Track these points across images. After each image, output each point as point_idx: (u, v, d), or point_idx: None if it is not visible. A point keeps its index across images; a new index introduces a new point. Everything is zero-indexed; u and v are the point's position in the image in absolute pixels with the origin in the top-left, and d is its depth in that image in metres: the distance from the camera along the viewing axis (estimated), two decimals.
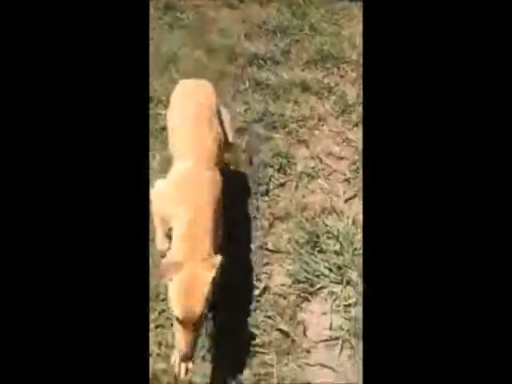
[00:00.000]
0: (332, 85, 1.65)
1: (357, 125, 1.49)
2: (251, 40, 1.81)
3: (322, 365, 0.92)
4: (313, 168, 1.38)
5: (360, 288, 1.03)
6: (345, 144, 1.45)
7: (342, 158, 1.42)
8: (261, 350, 0.93)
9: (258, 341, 0.94)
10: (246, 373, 0.89)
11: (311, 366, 0.92)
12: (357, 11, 2.05)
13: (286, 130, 1.47)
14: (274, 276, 1.10)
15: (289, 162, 1.38)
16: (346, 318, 1.00)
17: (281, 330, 0.97)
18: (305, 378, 0.90)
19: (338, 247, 1.13)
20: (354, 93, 1.59)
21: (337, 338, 0.96)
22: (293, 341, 0.95)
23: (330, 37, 1.93)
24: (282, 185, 1.33)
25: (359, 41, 1.81)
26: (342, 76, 1.74)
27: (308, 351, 0.94)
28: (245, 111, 1.48)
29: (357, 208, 1.25)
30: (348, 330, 0.97)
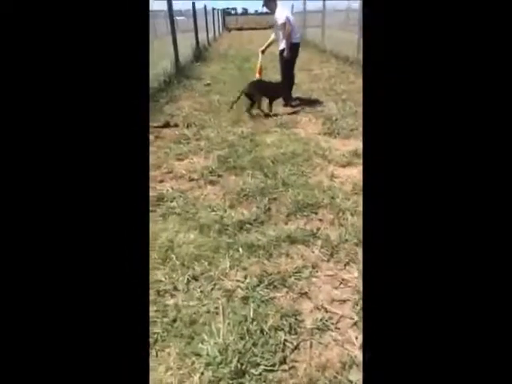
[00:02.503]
0: (315, 230, 1.88)
1: (348, 263, 1.60)
2: (235, 208, 2.26)
3: None
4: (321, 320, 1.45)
5: None
6: (342, 286, 1.52)
7: (344, 301, 1.47)
8: None
9: None
10: None
11: None
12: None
13: (286, 285, 1.63)
14: None
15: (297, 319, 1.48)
16: None
17: None
18: None
19: None
20: (335, 233, 1.78)
21: None
22: None
23: (300, 188, 2.38)
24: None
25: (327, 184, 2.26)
26: (320, 220, 2.00)
27: None
28: (244, 277, 1.72)
29: None
30: None
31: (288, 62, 4.38)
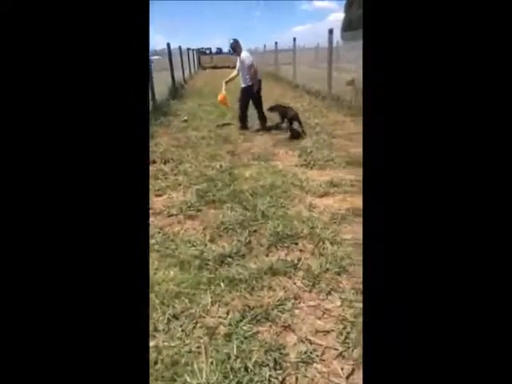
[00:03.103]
0: (296, 261, 1.91)
1: (330, 293, 1.63)
2: (215, 241, 2.26)
3: None
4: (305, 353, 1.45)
5: None
6: (325, 316, 1.54)
7: (328, 332, 1.48)
8: None
9: None
10: None
11: None
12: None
13: (269, 318, 1.62)
14: None
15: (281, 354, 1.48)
16: None
17: None
18: None
19: None
20: (316, 262, 1.82)
21: None
22: None
23: (280, 219, 2.43)
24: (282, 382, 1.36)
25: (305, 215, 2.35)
26: (301, 250, 2.04)
27: None
28: (226, 313, 1.70)
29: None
30: None
31: (258, 94, 5.30)
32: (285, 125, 5.23)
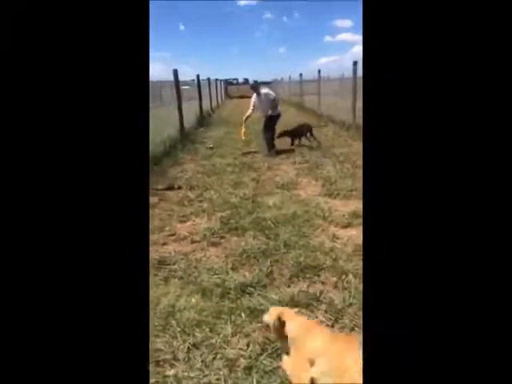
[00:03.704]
0: (318, 294, 1.87)
1: (353, 329, 1.56)
2: (237, 270, 2.25)
3: None
4: None
5: None
6: None
7: None
8: None
9: None
10: None
11: None
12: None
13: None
14: None
15: None
16: None
17: None
18: None
19: None
20: (339, 296, 1.77)
21: None
22: None
23: (302, 249, 2.39)
24: None
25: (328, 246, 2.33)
26: (323, 282, 1.99)
27: None
28: (247, 345, 1.67)
29: None
30: None
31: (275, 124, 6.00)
32: (303, 141, 6.17)
